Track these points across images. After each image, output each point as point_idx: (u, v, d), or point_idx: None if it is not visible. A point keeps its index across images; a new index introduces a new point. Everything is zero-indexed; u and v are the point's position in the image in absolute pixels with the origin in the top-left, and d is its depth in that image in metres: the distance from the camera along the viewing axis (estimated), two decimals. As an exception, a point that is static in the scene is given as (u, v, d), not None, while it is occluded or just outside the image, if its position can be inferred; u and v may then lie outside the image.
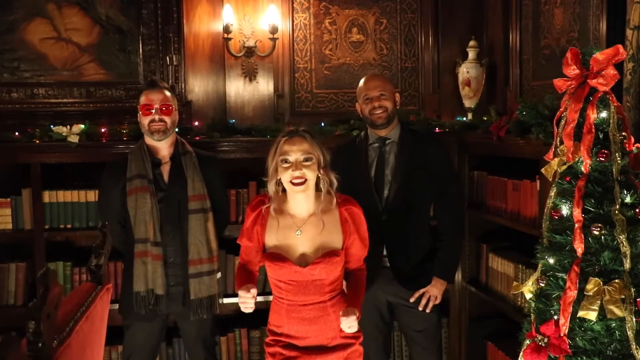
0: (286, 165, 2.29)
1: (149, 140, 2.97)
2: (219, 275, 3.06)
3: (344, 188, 2.86)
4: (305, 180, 2.29)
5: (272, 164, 2.32)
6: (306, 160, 2.29)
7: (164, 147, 2.98)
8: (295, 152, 2.29)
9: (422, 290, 3.02)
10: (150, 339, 3.03)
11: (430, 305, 3.02)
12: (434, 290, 3.02)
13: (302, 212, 2.37)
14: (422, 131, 3.47)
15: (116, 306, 3.56)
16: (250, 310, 2.33)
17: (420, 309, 3.01)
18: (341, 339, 2.40)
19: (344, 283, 2.55)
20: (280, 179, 2.34)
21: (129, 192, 2.90)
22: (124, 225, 2.99)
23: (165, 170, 2.97)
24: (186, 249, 2.92)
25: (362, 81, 3.13)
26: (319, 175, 2.33)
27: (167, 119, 2.92)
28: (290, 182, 2.29)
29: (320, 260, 2.34)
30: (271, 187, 2.36)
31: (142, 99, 2.94)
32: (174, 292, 2.93)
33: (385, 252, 3.01)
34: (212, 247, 2.98)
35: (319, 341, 2.38)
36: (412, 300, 3.02)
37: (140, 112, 2.94)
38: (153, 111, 2.90)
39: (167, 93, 2.98)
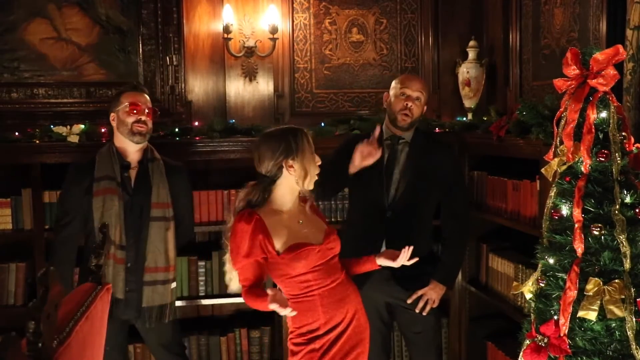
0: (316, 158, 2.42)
1: (120, 142, 2.92)
2: (174, 285, 2.99)
3: (353, 180, 2.88)
4: None
5: (308, 162, 2.37)
6: None
7: (133, 151, 2.93)
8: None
9: (420, 292, 2.99)
10: (112, 337, 2.86)
11: (428, 308, 2.99)
12: (433, 294, 3.00)
13: (293, 204, 2.45)
14: (434, 136, 3.47)
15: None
16: (289, 308, 2.15)
17: (417, 311, 2.99)
18: (362, 317, 2.48)
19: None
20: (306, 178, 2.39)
21: (96, 193, 2.85)
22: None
23: (133, 174, 2.93)
24: (144, 255, 2.88)
25: (405, 75, 3.14)
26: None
27: (149, 123, 2.92)
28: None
29: (329, 233, 2.44)
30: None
31: (129, 99, 2.89)
32: (129, 297, 2.88)
33: (384, 249, 2.98)
34: (170, 256, 2.93)
35: (350, 323, 2.42)
36: (409, 301, 3.00)
37: (124, 111, 2.87)
38: (141, 111, 2.88)
39: (149, 98, 2.99)
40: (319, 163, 2.41)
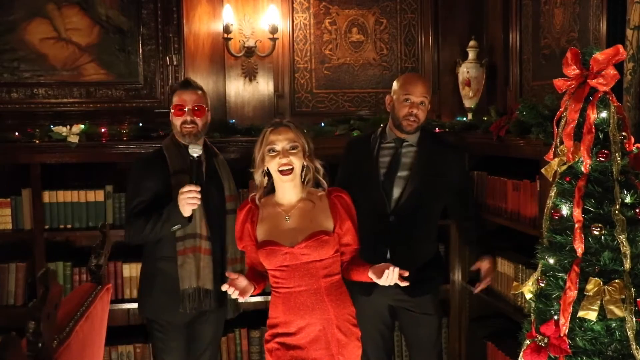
0: (273, 153, 2.38)
1: (180, 138, 2.90)
2: None
3: (353, 182, 2.84)
4: (292, 168, 2.38)
5: (259, 154, 2.42)
6: (292, 148, 2.39)
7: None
8: (281, 141, 2.38)
9: (487, 278, 3.11)
10: (180, 339, 2.93)
11: (483, 286, 3.14)
12: (491, 272, 3.12)
13: (290, 199, 2.45)
14: (441, 136, 3.46)
15: (116, 306, 3.59)
16: (232, 288, 2.27)
17: (476, 292, 3.16)
18: (338, 332, 2.39)
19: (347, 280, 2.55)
20: (267, 170, 2.43)
21: (175, 187, 2.79)
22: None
23: (203, 169, 2.91)
24: (224, 247, 2.91)
25: (407, 78, 2.99)
26: (304, 163, 2.41)
27: (199, 121, 2.85)
28: (279, 170, 2.37)
29: (308, 238, 2.38)
30: (258, 177, 2.46)
31: (175, 99, 2.87)
32: (215, 289, 2.87)
33: (388, 255, 2.90)
34: None
35: (315, 335, 2.38)
36: (476, 291, 3.20)
37: (172, 112, 2.88)
38: (185, 112, 2.83)
39: (200, 93, 2.91)
40: (276, 162, 2.36)
